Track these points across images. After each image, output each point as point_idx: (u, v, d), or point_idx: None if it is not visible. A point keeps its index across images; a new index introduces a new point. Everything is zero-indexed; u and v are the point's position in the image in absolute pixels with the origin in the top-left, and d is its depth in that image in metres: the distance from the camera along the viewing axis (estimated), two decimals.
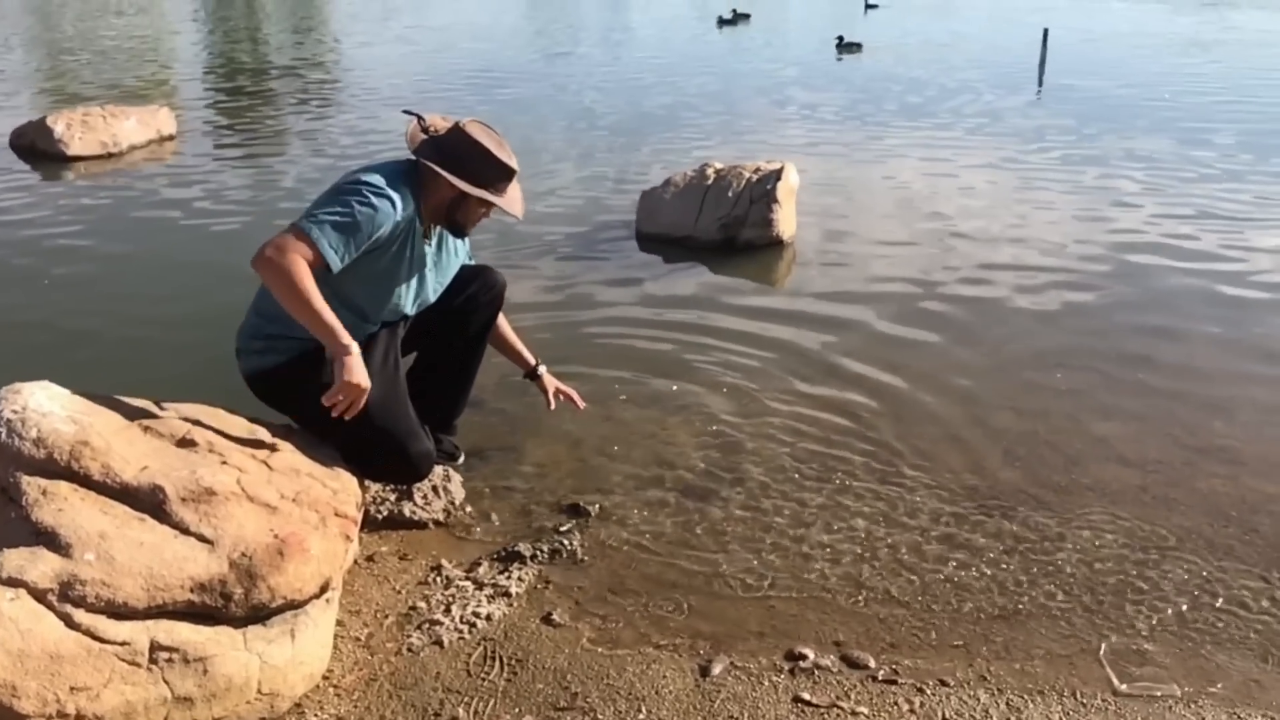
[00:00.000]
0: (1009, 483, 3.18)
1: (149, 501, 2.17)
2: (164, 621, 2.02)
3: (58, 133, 7.82)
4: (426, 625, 2.51)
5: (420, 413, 2.99)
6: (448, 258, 3.03)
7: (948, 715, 2.24)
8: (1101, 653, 2.43)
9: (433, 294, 3.01)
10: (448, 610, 2.57)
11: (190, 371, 3.86)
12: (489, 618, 2.55)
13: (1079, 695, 2.29)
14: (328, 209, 2.62)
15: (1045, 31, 14.02)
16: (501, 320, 3.26)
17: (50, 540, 2.01)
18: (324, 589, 2.29)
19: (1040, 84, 11.95)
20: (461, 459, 3.27)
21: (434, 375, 3.21)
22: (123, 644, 1.95)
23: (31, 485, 2.11)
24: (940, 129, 9.00)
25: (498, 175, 2.85)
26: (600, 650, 2.44)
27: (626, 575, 2.74)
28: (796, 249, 5.65)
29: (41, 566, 1.96)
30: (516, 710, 2.24)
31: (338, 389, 2.57)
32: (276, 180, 7.28)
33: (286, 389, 2.82)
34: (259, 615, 2.15)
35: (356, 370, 2.58)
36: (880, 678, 2.35)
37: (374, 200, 2.64)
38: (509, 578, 2.70)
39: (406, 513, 2.98)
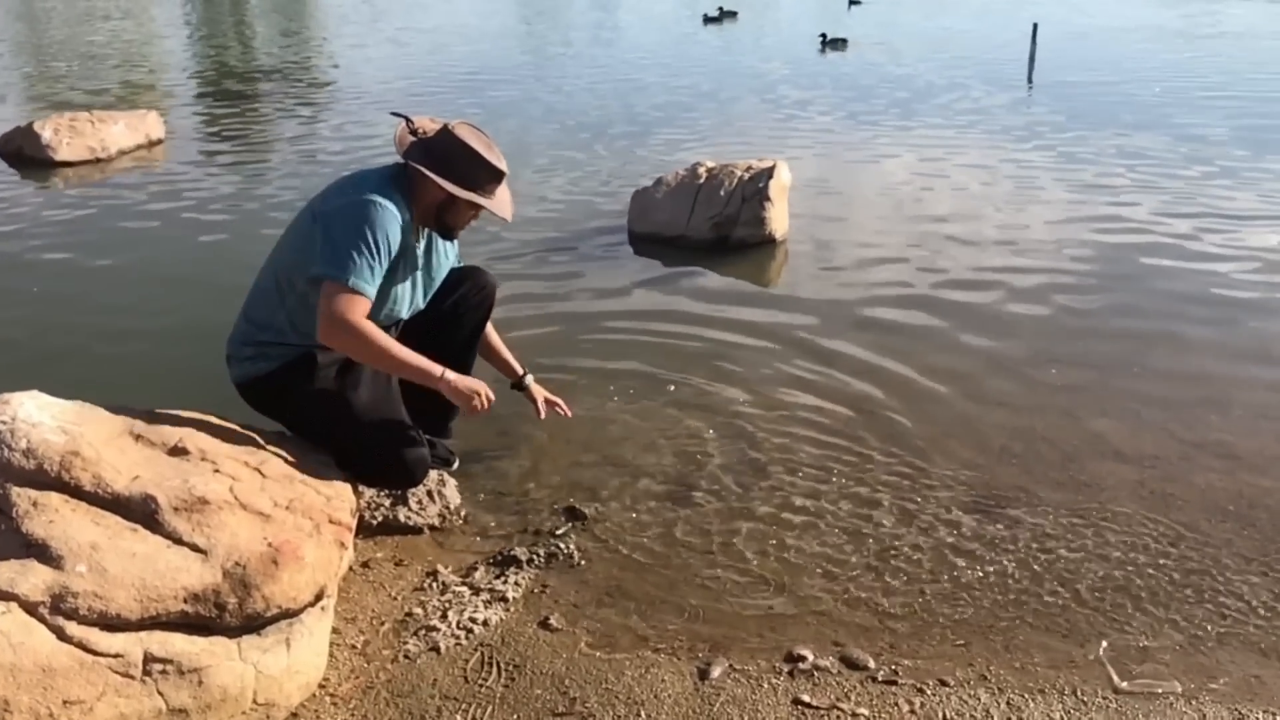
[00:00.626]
0: (1006, 480, 3.17)
1: (141, 511, 2.15)
2: (158, 633, 2.00)
3: (45, 138, 7.78)
4: (423, 631, 2.50)
5: (414, 417, 2.97)
6: (437, 259, 3.02)
7: (948, 715, 2.23)
8: (1102, 650, 2.42)
9: (424, 298, 2.99)
10: (444, 616, 2.55)
11: (181, 379, 3.84)
12: (486, 623, 2.53)
13: (1080, 694, 2.28)
14: (353, 250, 2.60)
15: (1035, 26, 14.04)
16: (489, 329, 3.24)
17: (41, 552, 1.99)
18: (319, 597, 2.27)
19: (1030, 80, 11.96)
20: (456, 463, 3.26)
21: None
22: (116, 656, 1.92)
23: (22, 496, 2.08)
24: (931, 126, 9.00)
25: (487, 177, 2.83)
26: (598, 654, 2.43)
27: (624, 578, 2.72)
28: (789, 247, 5.64)
29: (33, 579, 1.93)
30: (514, 716, 2.22)
31: (468, 406, 2.78)
32: (266, 184, 7.24)
33: (278, 395, 2.81)
34: (254, 625, 2.13)
35: (462, 382, 2.76)
36: (880, 678, 2.34)
37: (389, 225, 2.66)
38: (505, 582, 2.68)
39: (401, 518, 2.96)
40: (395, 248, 2.70)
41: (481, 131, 2.87)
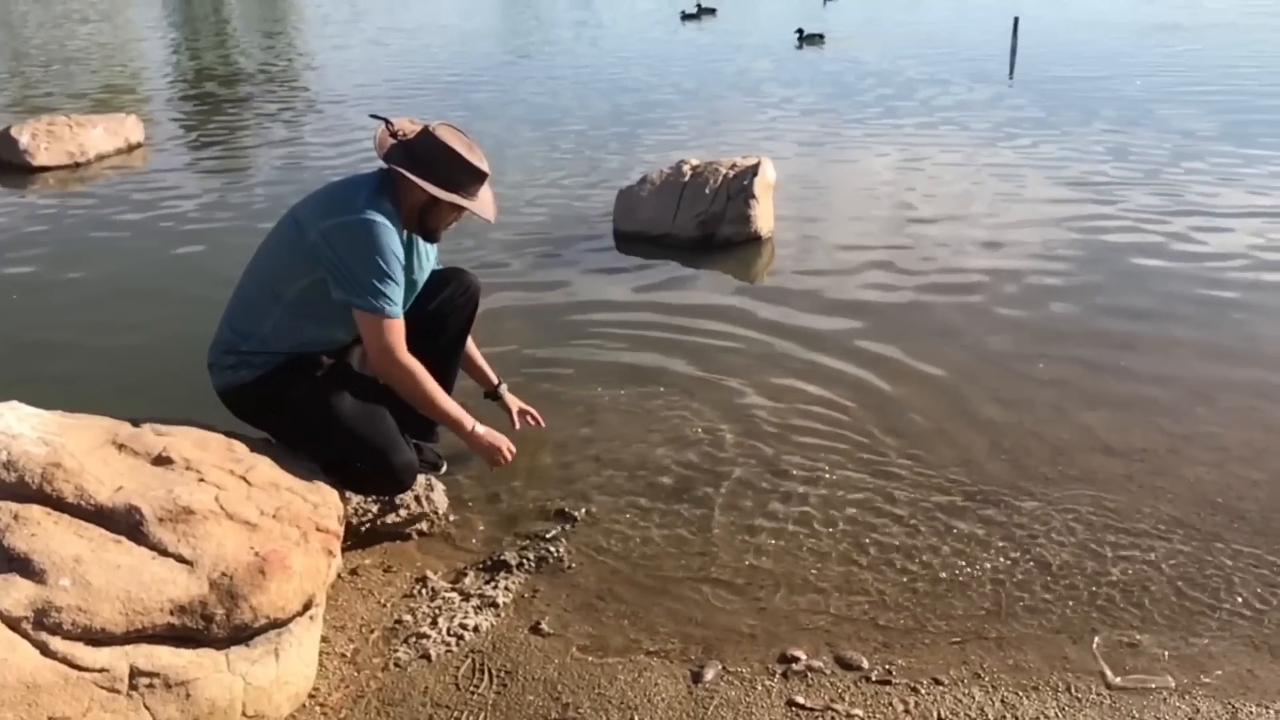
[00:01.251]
0: (996, 475, 3.17)
1: (125, 523, 2.12)
2: (144, 646, 1.97)
3: (23, 143, 7.71)
4: (413, 639, 2.48)
5: (400, 421, 2.95)
6: (420, 262, 2.99)
7: (943, 714, 2.22)
8: (1094, 645, 2.42)
9: (408, 301, 2.97)
10: (434, 623, 2.53)
11: (164, 387, 3.80)
12: (476, 629, 2.51)
13: (1073, 690, 2.28)
14: (374, 278, 2.65)
15: (1016, 21, 14.07)
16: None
17: (23, 567, 1.95)
18: (307, 606, 2.25)
19: (1011, 74, 11.98)
20: (444, 467, 3.23)
21: None
22: (101, 671, 1.90)
23: (2, 510, 2.05)
24: (914, 122, 9.00)
25: (469, 179, 2.81)
26: (590, 659, 2.41)
27: (615, 581, 2.71)
28: (775, 245, 5.63)
29: (15, 594, 1.90)
30: None
31: (492, 460, 2.91)
32: (247, 189, 7.19)
33: (263, 403, 2.78)
34: (242, 636, 2.10)
35: (489, 437, 2.90)
36: (874, 678, 2.33)
37: (394, 244, 2.69)
38: (496, 587, 2.66)
39: (389, 524, 2.93)
40: (402, 262, 2.74)
41: (462, 132, 2.85)
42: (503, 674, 2.36)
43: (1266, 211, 5.90)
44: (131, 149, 8.40)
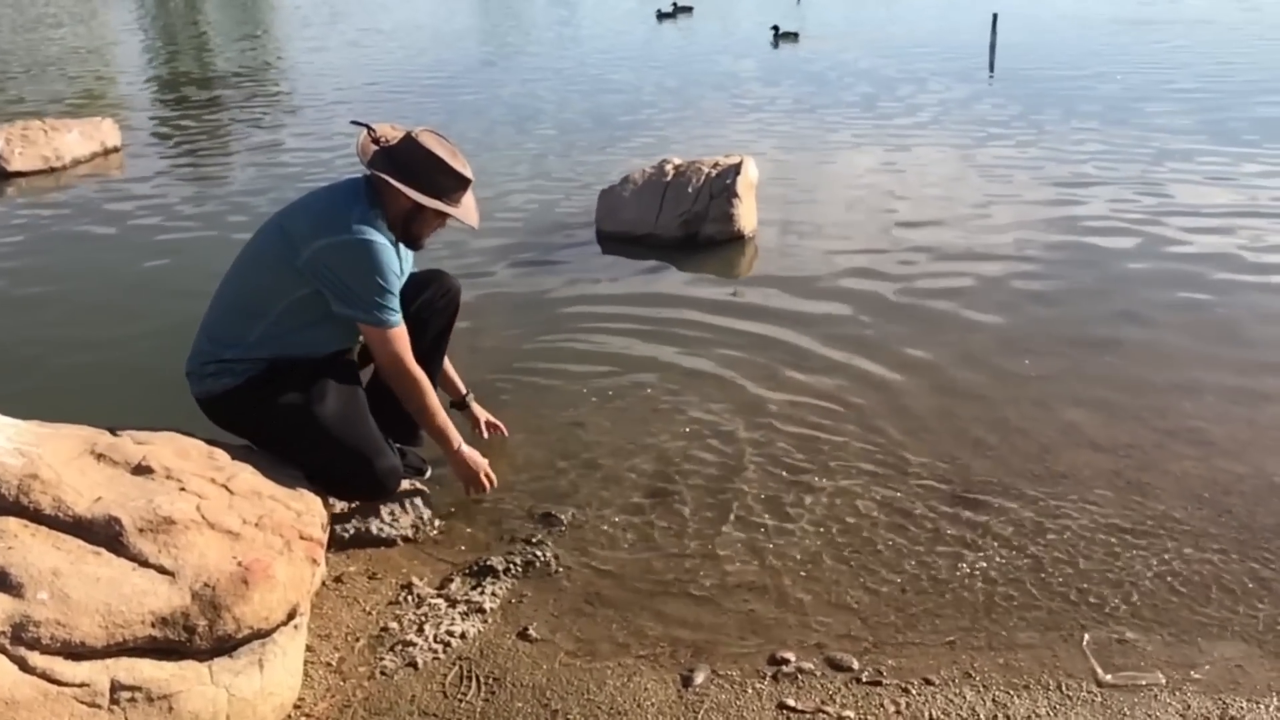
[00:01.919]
0: (983, 473, 3.16)
1: (105, 534, 2.08)
2: (125, 659, 1.94)
3: None
4: (399, 647, 2.45)
5: (383, 426, 2.92)
6: (402, 266, 2.97)
7: (934, 715, 2.21)
8: (1085, 643, 2.41)
9: None
10: (420, 630, 2.50)
11: (142, 395, 3.76)
12: (463, 636, 2.48)
13: (1064, 688, 2.27)
14: (376, 295, 2.71)
15: (995, 17, 14.12)
16: None
17: (0, 580, 1.92)
18: (292, 615, 2.22)
19: (991, 70, 12.03)
20: (429, 472, 3.20)
21: None
22: (81, 685, 1.86)
23: None
24: (895, 119, 9.02)
25: (453, 185, 2.79)
26: (579, 664, 2.39)
27: (602, 585, 2.68)
28: (758, 244, 5.62)
29: None
30: None
31: (475, 484, 2.97)
32: (226, 192, 7.14)
33: (244, 410, 2.75)
34: (225, 647, 2.07)
35: (473, 459, 2.96)
36: (864, 679, 2.31)
37: (391, 260, 2.73)
38: (482, 593, 2.64)
39: (374, 530, 2.90)
40: (399, 274, 2.79)
41: (444, 138, 2.84)
42: (490, 681, 2.33)
43: (1247, 208, 5.93)
44: (108, 153, 8.32)
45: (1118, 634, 2.44)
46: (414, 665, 2.38)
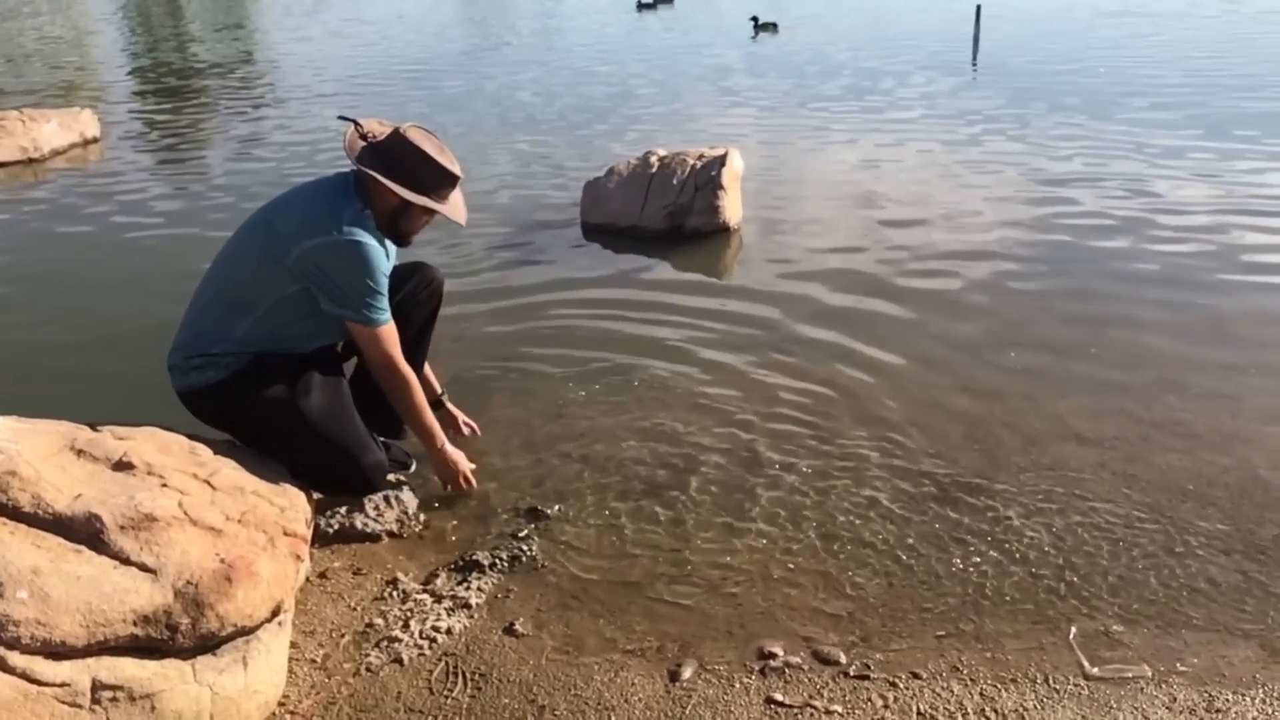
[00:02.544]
0: (970, 466, 3.16)
1: (85, 531, 2.05)
2: (106, 658, 1.91)
3: None
4: (385, 643, 2.43)
5: (367, 420, 2.90)
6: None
7: (922, 709, 2.21)
8: (1071, 636, 2.41)
9: None
10: (406, 626, 2.48)
11: (122, 389, 3.72)
12: (449, 631, 2.47)
13: (1051, 681, 2.27)
14: (366, 296, 2.71)
15: (978, 8, 14.14)
16: None
17: None
18: (276, 612, 2.20)
19: (975, 63, 12.04)
20: (413, 466, 3.18)
21: None
22: (62, 685, 1.83)
23: None
24: (879, 111, 9.01)
25: (440, 181, 2.77)
26: (566, 660, 2.38)
27: (589, 580, 2.67)
28: (743, 236, 5.61)
29: None
30: None
31: (455, 483, 2.99)
32: (207, 184, 7.07)
33: (228, 405, 2.72)
34: (208, 645, 2.05)
35: (455, 458, 2.99)
36: (852, 673, 2.31)
37: (381, 261, 2.73)
38: (468, 588, 2.62)
39: (358, 525, 2.88)
40: (387, 273, 2.79)
41: (432, 134, 2.82)
42: (477, 677, 2.32)
43: (1232, 203, 5.93)
44: (87, 144, 8.24)
45: (1104, 627, 2.44)
46: (400, 661, 2.37)
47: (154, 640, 1.97)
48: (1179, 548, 2.74)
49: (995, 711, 2.19)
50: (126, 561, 2.03)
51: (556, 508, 2.98)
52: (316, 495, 2.81)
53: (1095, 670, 2.31)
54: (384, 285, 2.75)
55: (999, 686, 2.26)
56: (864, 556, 2.73)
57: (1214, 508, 2.92)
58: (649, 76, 11.36)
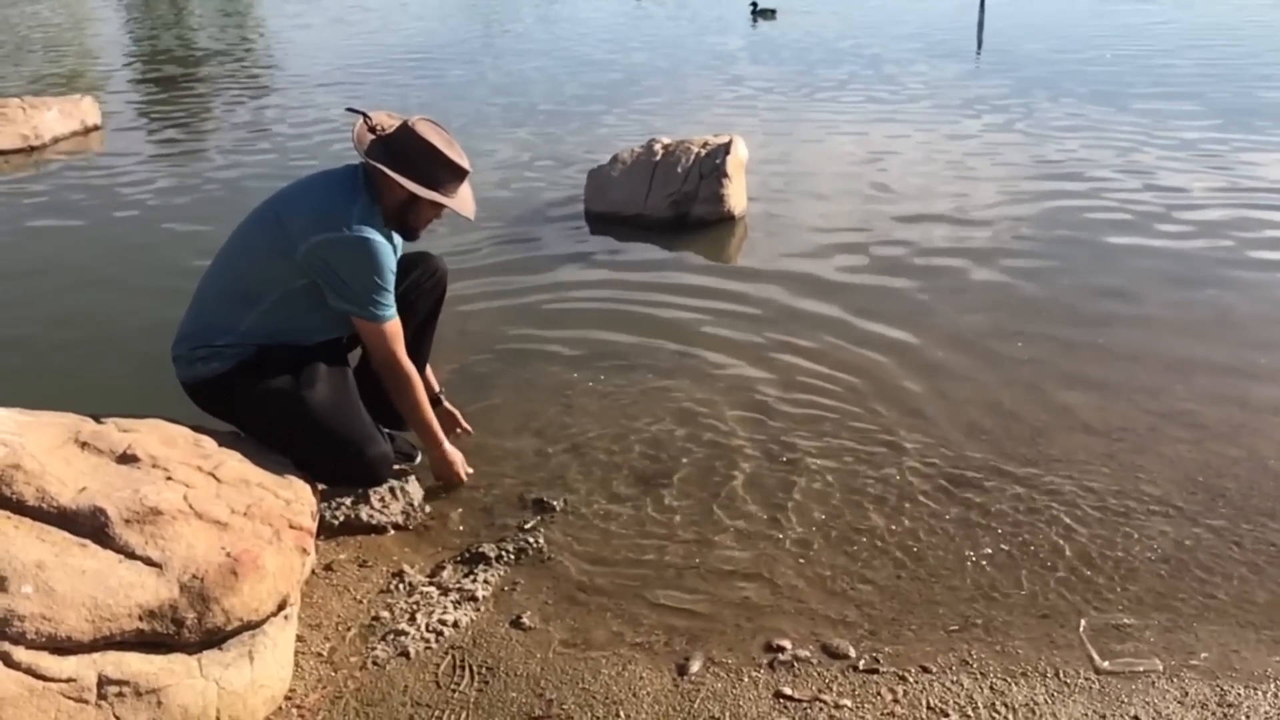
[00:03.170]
0: (978, 457, 3.14)
1: (90, 525, 2.04)
2: (112, 653, 1.90)
3: None
4: (391, 636, 2.42)
5: (372, 411, 2.89)
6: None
7: (932, 703, 2.19)
8: (1081, 629, 2.40)
9: None
10: (412, 619, 2.47)
11: (126, 381, 3.70)
12: (456, 624, 2.45)
13: (1061, 675, 2.26)
14: (373, 293, 2.71)
15: None
16: None
17: None
18: (282, 606, 2.19)
19: (979, 49, 11.97)
20: (419, 458, 3.16)
21: None
22: (68, 681, 1.83)
23: None
24: (883, 99, 8.95)
25: (449, 175, 2.76)
26: (573, 653, 2.36)
27: (596, 572, 2.66)
28: (748, 224, 5.58)
29: None
30: None
31: (452, 480, 3.00)
32: (208, 172, 7.03)
33: (233, 396, 2.71)
34: (214, 639, 2.04)
35: (452, 456, 3.00)
36: (861, 667, 2.30)
37: (389, 258, 2.73)
38: (475, 581, 2.61)
39: (364, 517, 2.86)
40: (394, 270, 2.78)
41: (441, 127, 2.80)
42: (484, 670, 2.31)
43: (1241, 191, 5.90)
44: (88, 131, 8.21)
45: (1114, 620, 2.43)
46: (406, 655, 2.36)
47: (160, 635, 1.96)
48: (1189, 540, 2.72)
49: (1005, 706, 2.18)
50: (132, 555, 2.02)
51: (563, 499, 2.96)
52: (321, 487, 2.80)
53: (1106, 664, 2.29)
54: (391, 282, 2.75)
55: (1009, 680, 2.25)
56: (872, 549, 2.72)
57: (1223, 499, 2.91)
58: (652, 63, 11.30)
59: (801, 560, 2.68)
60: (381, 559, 2.74)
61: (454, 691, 2.25)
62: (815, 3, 16.67)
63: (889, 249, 5.07)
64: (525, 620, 2.46)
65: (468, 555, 2.72)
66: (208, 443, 2.50)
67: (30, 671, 1.80)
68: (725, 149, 5.64)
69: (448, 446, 3.00)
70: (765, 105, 8.85)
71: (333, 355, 2.88)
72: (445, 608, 2.51)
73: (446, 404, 3.25)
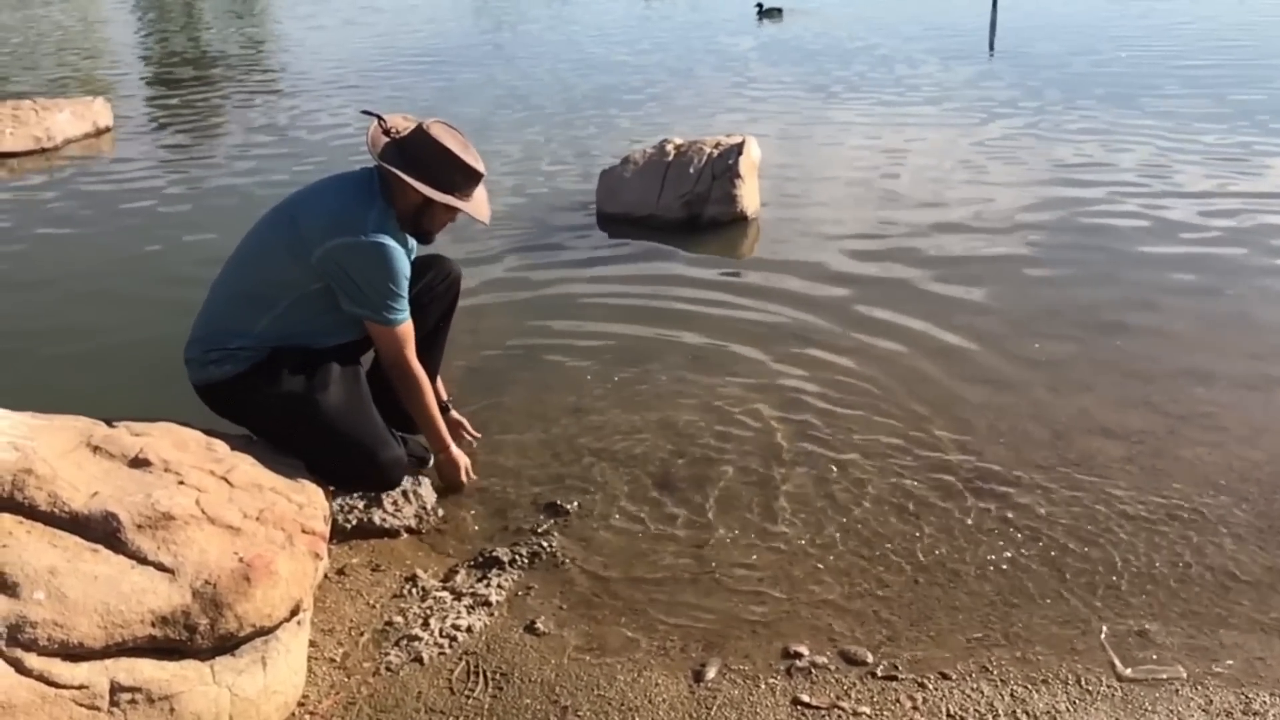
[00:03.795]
0: (996, 461, 3.11)
1: (102, 530, 2.02)
2: (124, 660, 1.88)
3: None
4: (404, 641, 2.40)
5: (384, 414, 2.87)
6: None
7: (951, 710, 2.16)
8: (1103, 636, 2.37)
9: None
10: (426, 624, 2.45)
11: (137, 384, 3.68)
12: (470, 630, 2.43)
13: (1083, 682, 2.23)
14: (387, 298, 2.72)
15: None
16: None
17: None
18: (295, 611, 2.17)
19: (992, 49, 11.91)
20: (432, 461, 3.14)
21: None
22: (80, 688, 1.81)
23: None
24: (895, 100, 8.90)
25: (464, 179, 2.74)
26: (588, 659, 2.34)
27: (611, 576, 2.63)
28: (761, 225, 5.55)
29: None
30: None
31: (457, 482, 2.99)
32: (220, 174, 7.03)
33: (245, 398, 2.70)
34: (227, 645, 2.02)
35: (457, 457, 3.00)
36: (879, 674, 2.27)
37: (403, 264, 2.73)
38: (488, 585, 2.59)
39: (377, 521, 2.85)
40: (409, 275, 2.77)
41: (456, 130, 2.78)
42: (498, 676, 2.29)
43: (1258, 192, 5.84)
44: (100, 133, 8.21)
45: (1137, 626, 2.40)
46: (420, 660, 2.34)
47: (172, 641, 1.94)
48: (1211, 544, 2.69)
49: (1026, 713, 2.15)
50: (144, 561, 2.00)
51: (576, 503, 2.94)
52: (334, 491, 2.78)
53: (1128, 671, 2.26)
54: (405, 287, 2.75)
55: (1030, 688, 2.22)
56: (890, 553, 2.69)
57: (1246, 503, 2.87)
58: (663, 63, 11.27)
59: (819, 565, 2.65)
60: (394, 563, 2.72)
61: (468, 698, 2.22)
62: (821, 2, 16.61)
63: (903, 251, 5.03)
64: (539, 625, 2.44)
65: (481, 559, 2.70)
66: (220, 447, 2.48)
67: (42, 678, 1.78)
68: (738, 149, 5.61)
69: (454, 450, 2.99)
70: (778, 105, 8.81)
71: (346, 358, 2.86)
72: (459, 612, 2.49)
73: (454, 413, 3.23)
